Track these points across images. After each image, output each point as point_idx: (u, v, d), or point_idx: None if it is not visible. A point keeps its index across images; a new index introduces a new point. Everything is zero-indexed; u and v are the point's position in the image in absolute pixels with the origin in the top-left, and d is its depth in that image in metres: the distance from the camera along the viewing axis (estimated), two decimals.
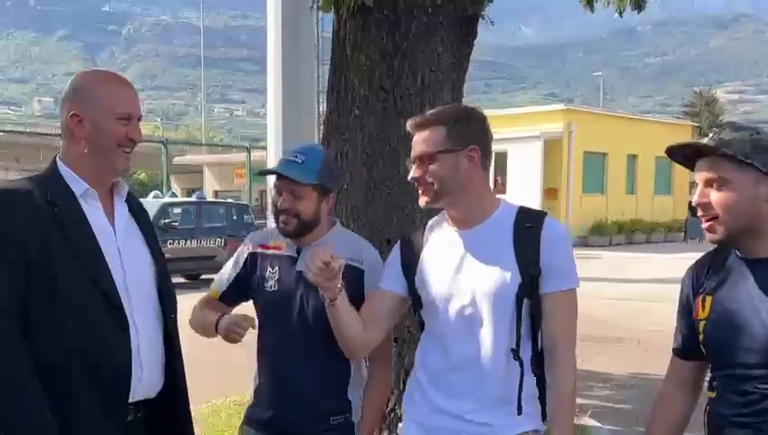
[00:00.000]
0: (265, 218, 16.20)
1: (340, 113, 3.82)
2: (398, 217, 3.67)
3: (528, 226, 1.98)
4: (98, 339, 1.89)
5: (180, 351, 2.15)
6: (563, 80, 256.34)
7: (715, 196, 1.73)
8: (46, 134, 30.09)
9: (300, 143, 2.66)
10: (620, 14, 6.00)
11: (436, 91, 3.66)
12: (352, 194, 3.77)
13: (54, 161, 2.04)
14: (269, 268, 2.32)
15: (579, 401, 6.08)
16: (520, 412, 1.96)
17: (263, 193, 25.33)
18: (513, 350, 1.95)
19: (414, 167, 2.03)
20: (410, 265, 2.10)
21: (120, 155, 2.02)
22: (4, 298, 1.79)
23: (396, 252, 2.18)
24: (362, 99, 3.71)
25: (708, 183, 1.75)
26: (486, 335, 1.96)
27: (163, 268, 2.14)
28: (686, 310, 1.92)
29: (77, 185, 1.98)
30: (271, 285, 2.31)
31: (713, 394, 1.84)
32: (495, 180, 24.72)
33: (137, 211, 2.15)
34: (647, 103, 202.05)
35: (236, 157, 29.55)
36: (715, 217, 1.74)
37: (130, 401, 1.96)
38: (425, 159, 1.99)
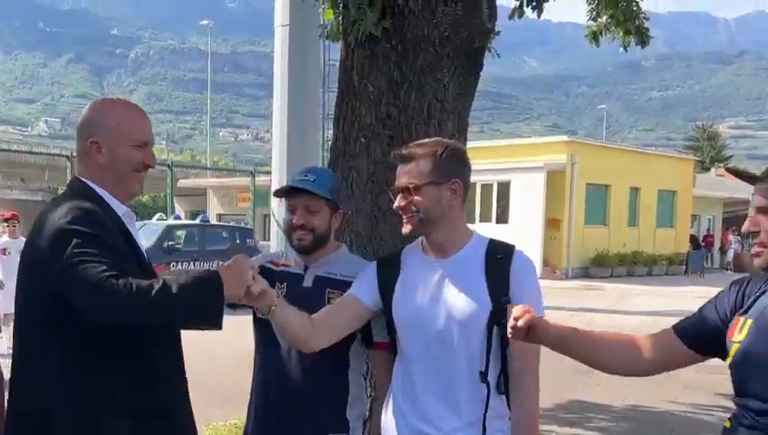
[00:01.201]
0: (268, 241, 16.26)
1: (347, 141, 3.85)
2: (403, 245, 3.69)
3: (499, 257, 2.11)
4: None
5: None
6: (567, 112, 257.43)
7: (765, 224, 1.74)
8: (52, 154, 30.05)
9: (307, 166, 2.73)
10: (625, 48, 6.09)
11: (442, 121, 3.70)
12: (357, 221, 3.80)
13: (83, 182, 2.08)
14: (277, 284, 2.37)
15: (579, 431, 6.07)
16: (484, 432, 2.07)
17: (266, 217, 25.37)
18: (481, 373, 2.07)
19: (399, 197, 2.14)
20: (387, 287, 2.20)
21: (135, 179, 2.12)
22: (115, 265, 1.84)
23: (373, 270, 2.26)
24: (368, 127, 3.75)
25: (760, 211, 1.77)
26: (459, 360, 2.08)
27: None
28: (717, 315, 1.85)
29: (119, 208, 2.08)
30: None
31: (728, 424, 1.79)
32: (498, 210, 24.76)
33: None
34: (649, 137, 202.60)
35: (240, 181, 29.59)
36: (764, 245, 1.74)
37: None
38: (410, 190, 2.10)
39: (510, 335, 1.84)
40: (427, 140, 2.24)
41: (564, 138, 27.38)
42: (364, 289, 2.22)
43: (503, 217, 24.41)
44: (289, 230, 2.38)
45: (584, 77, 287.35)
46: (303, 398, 2.32)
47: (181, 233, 15.92)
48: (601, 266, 25.17)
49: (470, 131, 4.03)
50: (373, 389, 2.61)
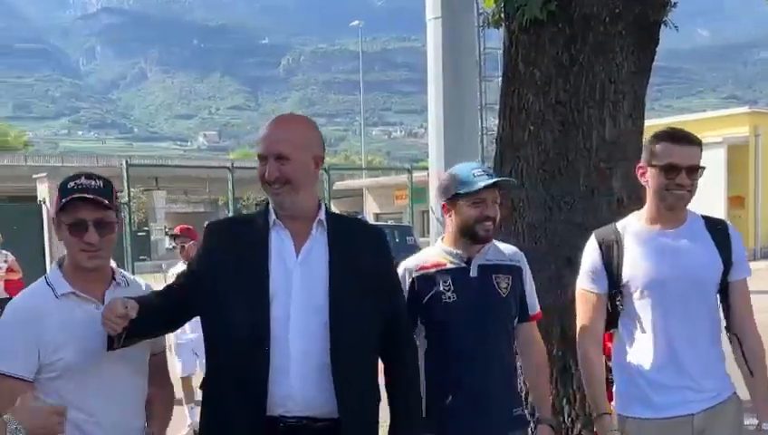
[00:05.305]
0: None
1: (514, 130, 3.77)
2: (580, 234, 3.54)
3: (718, 227, 2.50)
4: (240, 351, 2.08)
5: (359, 376, 2.13)
6: (745, 81, 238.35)
7: None
8: (212, 167, 31.23)
9: (475, 163, 2.89)
10: None
11: (617, 102, 3.54)
12: (529, 211, 3.70)
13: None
14: (441, 283, 2.53)
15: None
16: (726, 377, 2.46)
17: (424, 213, 25.58)
18: (724, 326, 2.47)
19: (684, 174, 2.40)
20: (612, 260, 2.47)
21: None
22: None
23: (595, 254, 2.52)
24: (537, 114, 3.65)
25: None
26: (702, 316, 2.40)
27: (341, 294, 2.12)
28: None
29: None
30: (449, 296, 2.53)
31: None
32: None
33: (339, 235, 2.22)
34: None
35: (396, 179, 29.99)
36: None
37: (283, 413, 2.06)
38: (695, 171, 2.41)
39: None
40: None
41: (745, 109, 25.34)
42: (599, 281, 2.50)
43: None
44: (476, 222, 2.52)
45: (762, 42, 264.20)
46: (495, 375, 2.54)
47: None
48: None
49: None
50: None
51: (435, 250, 2.65)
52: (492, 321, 2.55)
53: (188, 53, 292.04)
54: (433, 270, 2.56)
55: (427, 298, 2.51)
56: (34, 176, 18.94)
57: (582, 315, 2.54)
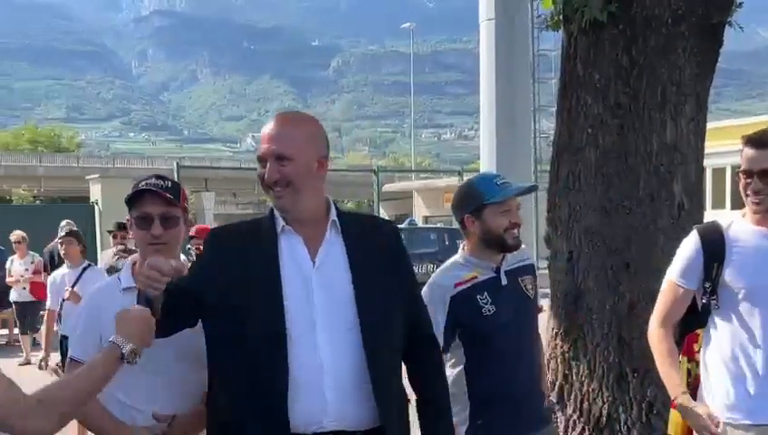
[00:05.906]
0: None
1: (572, 132, 3.73)
2: (638, 239, 3.50)
3: None
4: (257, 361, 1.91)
5: (392, 380, 2.05)
6: None
7: None
8: None
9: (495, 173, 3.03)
10: None
11: (678, 105, 3.48)
12: (586, 214, 3.66)
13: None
14: (478, 297, 2.56)
15: None
16: None
17: None
18: None
19: (757, 180, 2.33)
20: (715, 259, 2.39)
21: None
22: None
23: (695, 250, 2.44)
24: (596, 117, 3.61)
25: None
26: None
27: (366, 296, 1.99)
28: None
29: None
30: (488, 308, 2.56)
31: None
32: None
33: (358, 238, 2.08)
34: None
35: (446, 181, 29.79)
36: None
37: (316, 431, 1.92)
38: None
39: None
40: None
41: None
42: (693, 278, 2.44)
43: (738, 203, 22.22)
44: (505, 230, 2.57)
45: None
46: (529, 383, 2.63)
47: None
48: None
49: None
50: None
51: (460, 262, 2.67)
52: (527, 323, 2.65)
53: (239, 55, 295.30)
54: (469, 285, 2.59)
55: (467, 315, 2.53)
56: (87, 177, 19.28)
57: (663, 303, 2.53)
